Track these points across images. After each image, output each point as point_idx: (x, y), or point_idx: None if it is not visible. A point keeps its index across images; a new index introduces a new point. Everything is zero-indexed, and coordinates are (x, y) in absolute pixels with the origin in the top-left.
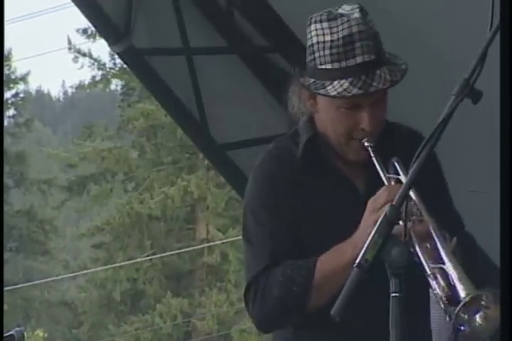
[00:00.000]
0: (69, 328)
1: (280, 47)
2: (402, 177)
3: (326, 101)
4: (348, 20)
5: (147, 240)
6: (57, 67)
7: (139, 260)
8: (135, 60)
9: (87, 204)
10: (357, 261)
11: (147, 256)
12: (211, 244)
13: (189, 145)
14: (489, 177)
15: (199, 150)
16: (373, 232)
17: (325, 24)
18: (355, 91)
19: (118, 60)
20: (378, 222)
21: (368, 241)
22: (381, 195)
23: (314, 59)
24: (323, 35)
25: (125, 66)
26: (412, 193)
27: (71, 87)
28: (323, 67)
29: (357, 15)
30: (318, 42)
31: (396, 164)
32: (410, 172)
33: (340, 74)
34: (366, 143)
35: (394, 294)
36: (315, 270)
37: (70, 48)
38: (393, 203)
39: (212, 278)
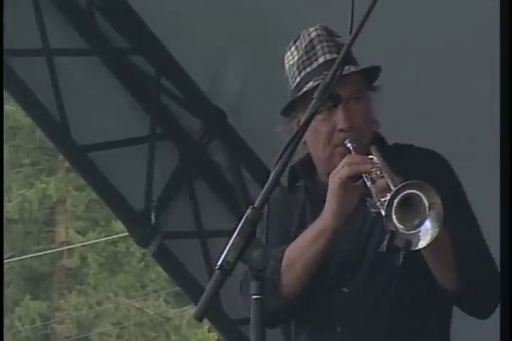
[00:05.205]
0: None
1: (141, 49)
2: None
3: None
4: (307, 31)
5: (5, 243)
6: None
7: None
8: None
9: None
10: (218, 263)
11: (5, 258)
12: (71, 246)
13: (48, 147)
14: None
15: (59, 152)
16: (235, 234)
17: (292, 47)
18: (310, 84)
19: None
20: (240, 225)
21: (229, 244)
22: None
23: (291, 83)
24: (292, 57)
25: None
26: (373, 154)
27: None
28: (294, 83)
29: (317, 26)
30: (289, 67)
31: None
32: (270, 176)
33: (307, 79)
34: (348, 144)
35: (255, 296)
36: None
37: None
38: (255, 205)
39: (72, 280)
